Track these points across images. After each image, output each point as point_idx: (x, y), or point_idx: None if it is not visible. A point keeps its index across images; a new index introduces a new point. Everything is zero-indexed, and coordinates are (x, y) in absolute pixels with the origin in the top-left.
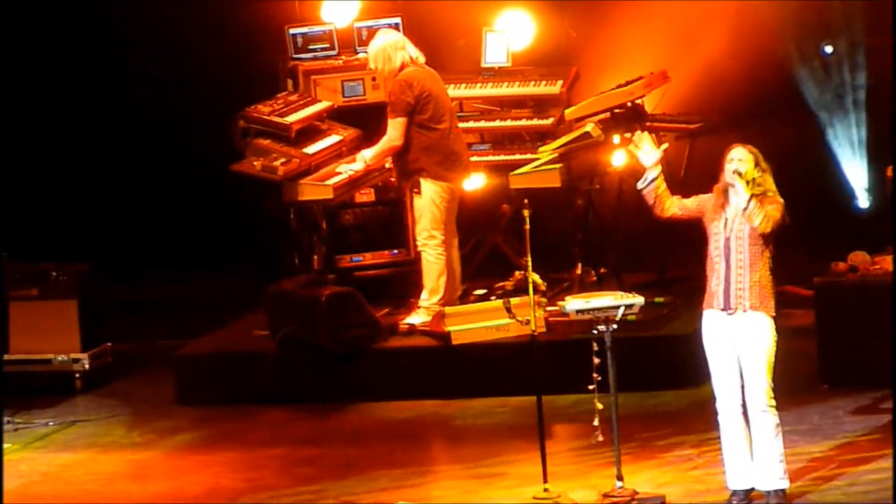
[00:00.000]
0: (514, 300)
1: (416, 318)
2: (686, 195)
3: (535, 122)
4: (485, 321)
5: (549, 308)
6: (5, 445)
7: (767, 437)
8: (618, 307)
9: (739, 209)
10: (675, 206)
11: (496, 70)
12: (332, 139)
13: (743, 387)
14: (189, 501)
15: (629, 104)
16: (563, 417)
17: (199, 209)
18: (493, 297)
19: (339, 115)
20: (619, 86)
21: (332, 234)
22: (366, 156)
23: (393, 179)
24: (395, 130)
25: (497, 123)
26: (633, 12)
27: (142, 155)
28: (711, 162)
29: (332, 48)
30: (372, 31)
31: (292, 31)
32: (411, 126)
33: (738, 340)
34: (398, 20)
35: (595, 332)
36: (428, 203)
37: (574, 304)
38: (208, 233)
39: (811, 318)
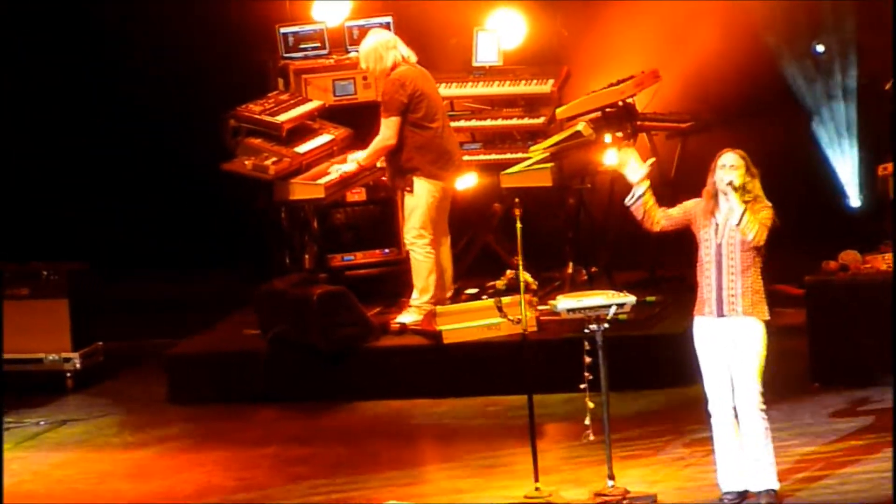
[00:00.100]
0: (505, 299)
1: (408, 317)
2: (676, 194)
3: (527, 121)
4: (476, 320)
5: (540, 307)
6: None
7: (758, 439)
8: (609, 306)
9: (730, 215)
10: (663, 219)
11: (487, 69)
12: (323, 138)
13: (734, 389)
14: (181, 500)
15: (620, 103)
16: (554, 416)
17: (189, 208)
18: (484, 297)
19: (331, 115)
20: (611, 85)
21: (324, 234)
22: (359, 157)
23: (384, 178)
24: (388, 130)
25: (488, 122)
26: (624, 11)
27: (133, 154)
28: (702, 161)
29: (324, 47)
30: (363, 31)
31: (283, 30)
32: (405, 125)
33: (731, 345)
34: (389, 19)
35: (586, 331)
36: (419, 201)
37: (565, 303)
38: (199, 232)
39: (802, 316)
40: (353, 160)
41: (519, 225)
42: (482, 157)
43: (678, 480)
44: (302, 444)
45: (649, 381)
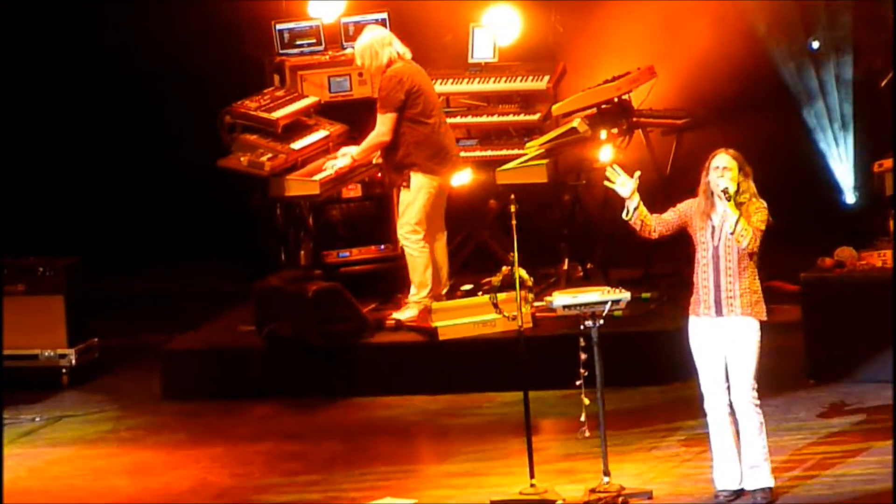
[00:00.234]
0: (500, 296)
1: (407, 313)
2: (671, 191)
3: (522, 117)
4: (471, 317)
5: (535, 303)
6: None
7: (752, 435)
8: (604, 303)
9: (726, 217)
10: (658, 226)
11: (483, 66)
12: (318, 134)
13: (729, 387)
14: (176, 496)
15: (616, 100)
16: (549, 413)
17: (185, 205)
18: (479, 293)
19: (326, 111)
20: (606, 81)
21: (319, 230)
22: (352, 151)
23: (380, 175)
24: (383, 126)
25: (484, 119)
26: (619, 8)
27: (129, 151)
28: (698, 157)
29: (319, 44)
30: (359, 27)
31: (279, 26)
32: (402, 121)
33: (727, 344)
34: (385, 16)
35: (582, 327)
36: (416, 197)
37: (561, 299)
38: (195, 228)
39: (798, 313)
40: (348, 154)
41: (514, 221)
42: (478, 153)
43: (673, 477)
44: (297, 440)
45: (645, 378)
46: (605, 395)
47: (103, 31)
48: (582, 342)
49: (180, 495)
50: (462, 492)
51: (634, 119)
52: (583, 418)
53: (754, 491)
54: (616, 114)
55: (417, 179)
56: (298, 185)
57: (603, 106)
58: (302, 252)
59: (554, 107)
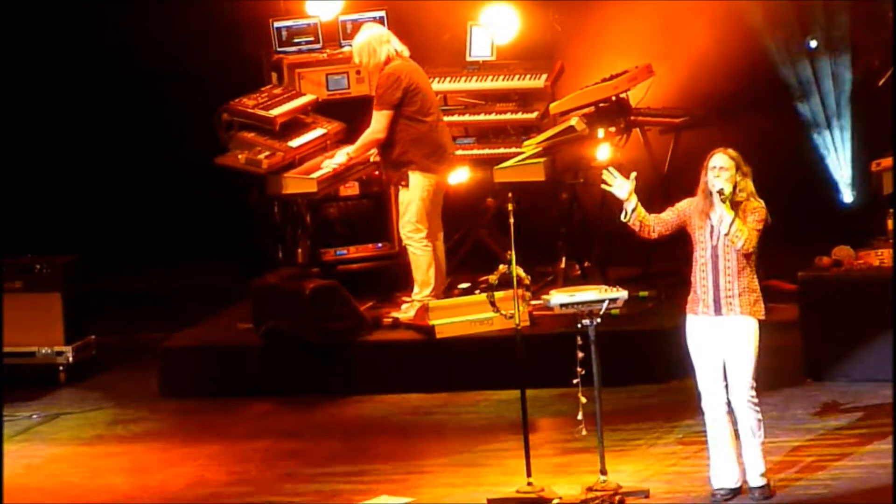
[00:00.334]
0: (498, 294)
1: (410, 312)
2: (669, 189)
3: (520, 115)
4: (469, 315)
5: (533, 302)
6: None
7: (751, 433)
8: (602, 301)
9: (723, 217)
10: (657, 226)
11: (481, 64)
12: (316, 132)
13: (727, 386)
14: (173, 494)
15: (614, 98)
16: (546, 411)
17: (182, 202)
18: (477, 291)
19: (324, 109)
20: (604, 80)
21: (317, 228)
22: (348, 149)
23: (377, 173)
24: (378, 123)
25: (482, 117)
26: (617, 6)
27: (126, 148)
28: (696, 156)
29: (317, 41)
30: (357, 25)
31: (277, 24)
32: (400, 119)
33: (726, 343)
34: (383, 14)
35: (579, 326)
36: (415, 196)
37: (558, 298)
38: (192, 226)
39: (795, 312)
40: (343, 152)
41: (512, 220)
42: (475, 151)
43: (670, 475)
44: (294, 438)
45: (642, 376)
46: (602, 393)
47: (103, 31)
48: (579, 341)
49: (177, 493)
50: (459, 490)
51: (632, 118)
52: (580, 417)
53: (752, 489)
54: (614, 112)
55: (415, 178)
56: (296, 183)
57: (601, 104)
58: (299, 250)
59: (552, 105)
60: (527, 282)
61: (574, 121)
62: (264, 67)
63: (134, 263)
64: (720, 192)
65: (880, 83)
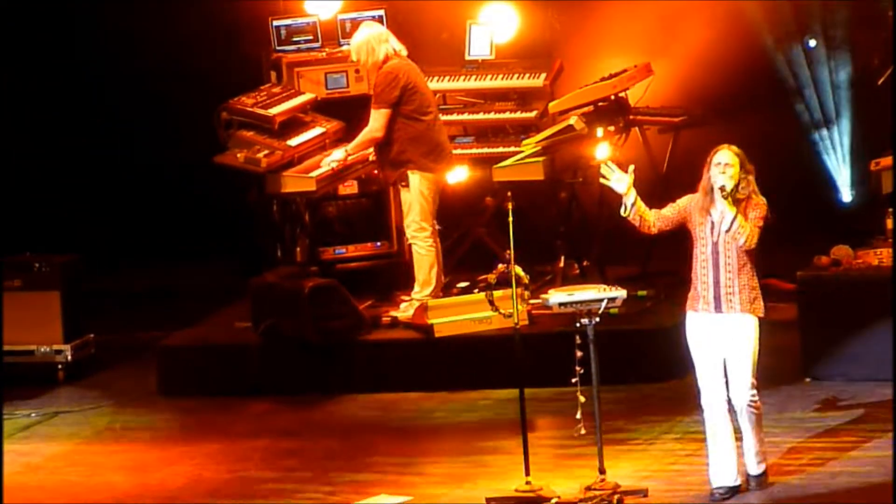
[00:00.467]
0: (496, 293)
1: (410, 310)
2: (668, 189)
3: (519, 114)
4: (467, 314)
5: (531, 301)
6: None
7: (751, 431)
8: (601, 300)
9: (724, 214)
10: (658, 221)
11: (480, 63)
12: (315, 131)
13: (727, 383)
14: (172, 492)
15: (613, 97)
16: (545, 410)
17: (181, 201)
18: (475, 290)
19: (323, 108)
20: (603, 79)
21: (315, 227)
22: (346, 148)
23: (376, 172)
24: (376, 122)
25: (481, 116)
26: (616, 5)
27: (125, 147)
28: (695, 155)
29: (316, 40)
30: (356, 24)
31: (276, 22)
32: (398, 117)
33: (726, 341)
34: (382, 13)
35: (578, 325)
36: (416, 195)
37: (557, 297)
38: (191, 225)
39: (794, 311)
40: (342, 150)
41: (511, 219)
42: (474, 150)
43: (669, 475)
44: (293, 436)
45: (640, 376)
46: (601, 392)
47: (103, 31)
48: (578, 340)
49: (176, 491)
50: (457, 489)
51: (631, 117)
52: (578, 416)
53: (750, 477)
54: (613, 111)
55: (414, 178)
56: (295, 182)
57: (600, 103)
58: (298, 249)
59: (551, 104)
60: (525, 281)
61: (573, 120)
62: (263, 66)
63: (133, 262)
64: (722, 189)
65: (879, 82)
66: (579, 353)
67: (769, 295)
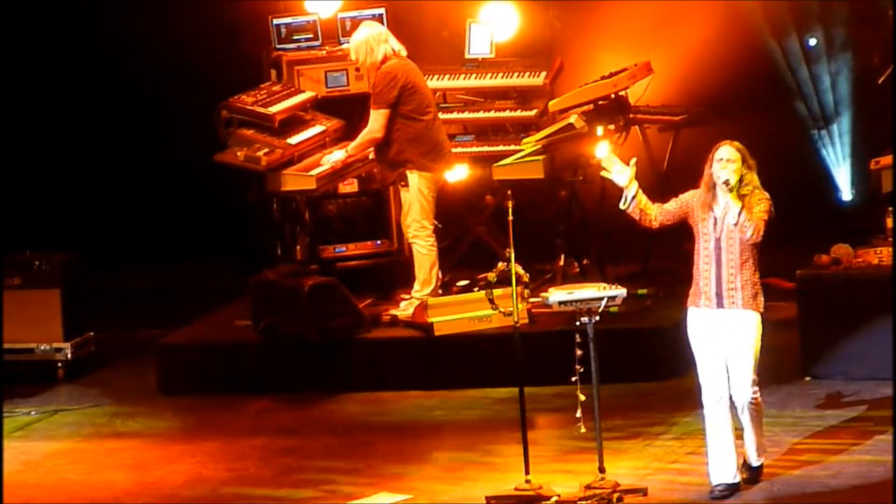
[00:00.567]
0: (496, 291)
1: (409, 309)
2: (668, 187)
3: (519, 113)
4: (467, 312)
5: (531, 299)
6: None
7: (752, 426)
8: (600, 299)
9: (728, 210)
10: (660, 215)
11: (480, 61)
12: (315, 129)
13: (729, 380)
14: (172, 490)
15: (613, 96)
16: (545, 409)
17: (181, 199)
18: (475, 289)
19: (323, 106)
20: (603, 77)
21: (315, 225)
22: (346, 148)
23: (375, 171)
24: (376, 122)
25: (481, 115)
26: (617, 4)
27: (126, 145)
28: (695, 154)
29: (316, 38)
30: (356, 22)
31: (276, 21)
32: (396, 117)
33: (727, 337)
34: (382, 11)
35: (578, 323)
36: (416, 194)
37: (557, 295)
38: (191, 223)
39: (794, 310)
40: (342, 150)
41: (511, 217)
42: (474, 149)
43: (669, 473)
44: (293, 435)
45: (640, 374)
46: (601, 391)
47: (103, 31)
48: (578, 338)
49: (176, 489)
50: (457, 487)
51: (631, 115)
52: (578, 414)
53: (748, 468)
54: (613, 110)
55: (413, 178)
56: (295, 180)
57: (600, 102)
58: (298, 247)
59: (551, 103)
60: (525, 279)
61: (573, 118)
62: (264, 64)
63: (133, 262)
64: (726, 183)
65: (880, 81)
66: (579, 352)
67: (769, 294)
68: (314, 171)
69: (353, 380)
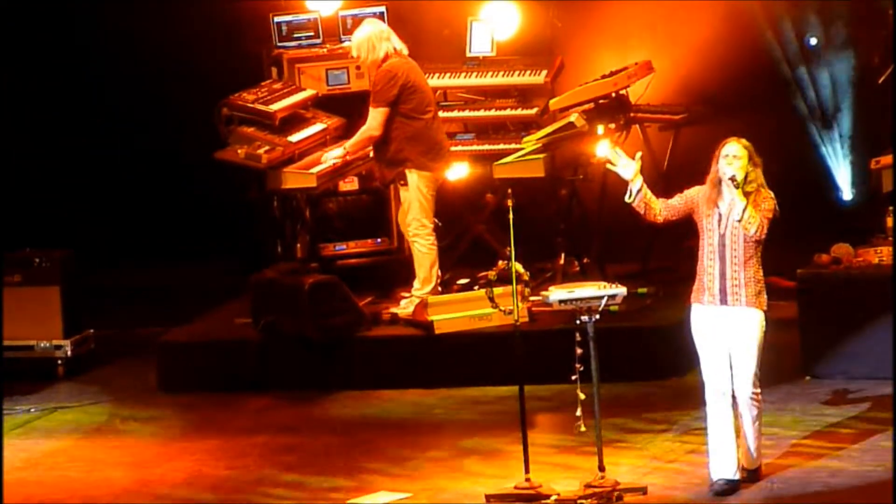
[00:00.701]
0: (497, 290)
1: (409, 307)
2: (669, 186)
3: (520, 111)
4: (468, 311)
5: (532, 298)
6: None
7: (751, 423)
8: (601, 297)
9: (733, 207)
10: (664, 210)
11: (481, 60)
12: (316, 127)
13: (732, 376)
14: (171, 488)
15: (613, 94)
16: (545, 407)
17: (182, 197)
18: (476, 287)
19: (324, 104)
20: (604, 76)
21: (316, 223)
22: (345, 145)
23: (375, 169)
24: (374, 120)
25: (481, 113)
26: (617, 3)
27: (126, 143)
28: (695, 153)
29: (317, 36)
30: (357, 20)
31: (277, 18)
32: (396, 116)
33: (731, 334)
34: (383, 10)
35: (578, 322)
36: (415, 193)
37: (557, 294)
38: (191, 221)
39: (794, 309)
40: (341, 147)
41: (511, 215)
42: (475, 147)
43: (669, 473)
44: (292, 433)
45: (640, 373)
46: (601, 389)
47: (103, 31)
48: (578, 337)
49: (175, 487)
50: (457, 486)
51: (632, 114)
52: (578, 413)
53: (744, 471)
54: (613, 109)
55: (413, 177)
56: (295, 178)
57: (600, 101)
58: (298, 245)
59: (551, 101)
60: (526, 278)
61: (574, 117)
62: (264, 62)
63: (134, 260)
64: (732, 179)
65: (880, 81)
66: (579, 351)
67: (770, 293)
68: (315, 169)
69: (354, 378)
